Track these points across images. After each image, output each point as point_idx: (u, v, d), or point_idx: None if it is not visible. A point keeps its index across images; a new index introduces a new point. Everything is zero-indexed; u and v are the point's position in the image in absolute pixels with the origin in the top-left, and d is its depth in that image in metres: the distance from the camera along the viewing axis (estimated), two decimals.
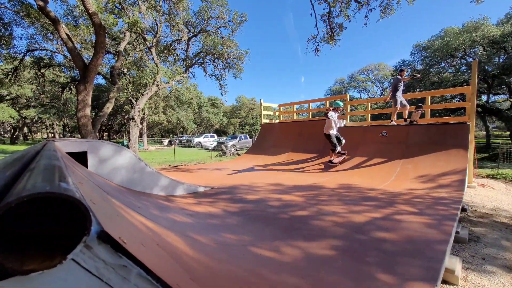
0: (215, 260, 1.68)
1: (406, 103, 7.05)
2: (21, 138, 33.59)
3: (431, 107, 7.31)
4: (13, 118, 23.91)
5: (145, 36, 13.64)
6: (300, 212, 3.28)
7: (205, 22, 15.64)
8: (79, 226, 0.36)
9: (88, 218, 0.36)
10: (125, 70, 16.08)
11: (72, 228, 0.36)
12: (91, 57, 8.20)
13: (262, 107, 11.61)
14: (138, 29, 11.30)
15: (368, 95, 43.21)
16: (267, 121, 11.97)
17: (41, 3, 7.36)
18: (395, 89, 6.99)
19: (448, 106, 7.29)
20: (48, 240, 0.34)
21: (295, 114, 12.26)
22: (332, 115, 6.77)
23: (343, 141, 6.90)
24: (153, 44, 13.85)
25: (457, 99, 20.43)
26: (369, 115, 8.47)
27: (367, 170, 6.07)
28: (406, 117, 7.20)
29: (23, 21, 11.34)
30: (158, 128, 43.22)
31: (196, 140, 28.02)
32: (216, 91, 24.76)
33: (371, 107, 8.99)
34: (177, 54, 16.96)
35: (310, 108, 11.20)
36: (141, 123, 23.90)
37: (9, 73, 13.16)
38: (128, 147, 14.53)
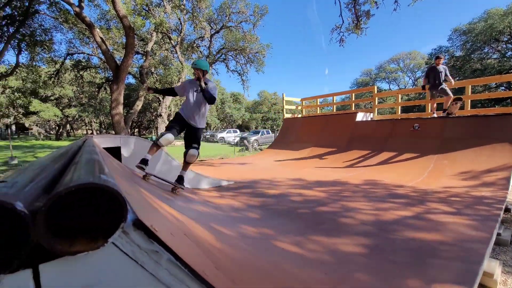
0: (238, 251, 1.73)
1: (450, 92, 6.39)
2: (64, 134, 37.10)
3: (472, 97, 6.65)
4: (57, 116, 26.46)
5: (170, 35, 14.13)
6: (322, 208, 3.23)
7: (227, 18, 15.74)
8: (117, 214, 0.40)
9: (125, 207, 0.39)
10: (153, 69, 16.86)
11: (111, 215, 0.40)
12: (122, 58, 8.72)
13: (284, 101, 11.48)
14: (164, 29, 11.74)
15: (398, 86, 40.49)
16: (289, 115, 11.83)
17: (77, 9, 7.96)
18: (435, 78, 6.38)
19: (493, 96, 6.58)
20: (91, 226, 0.39)
21: (318, 108, 11.93)
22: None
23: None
24: (178, 43, 14.31)
25: (503, 87, 18.30)
26: (399, 107, 7.96)
27: (395, 166, 5.74)
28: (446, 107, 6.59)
29: (62, 26, 12.36)
30: None
31: (219, 135, 28.66)
32: (239, 87, 25.05)
33: (401, 99, 8.44)
34: (200, 51, 17.35)
35: (335, 101, 10.82)
36: (168, 120, 25.05)
37: (52, 75, 14.51)
38: None
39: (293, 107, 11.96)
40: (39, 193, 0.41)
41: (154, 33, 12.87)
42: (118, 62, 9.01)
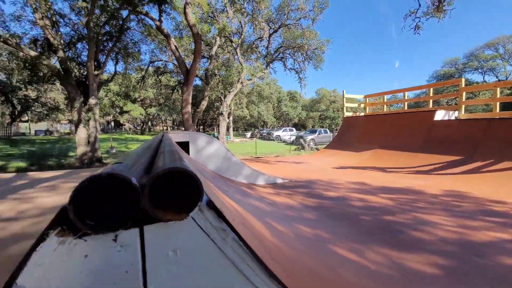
0: (292, 249, 1.75)
1: None
2: (147, 130, 44.17)
3: None
4: (142, 114, 31.74)
5: (232, 38, 15.02)
6: (388, 217, 2.92)
7: (285, 16, 15.68)
8: (196, 195, 0.48)
9: (201, 189, 0.48)
10: (216, 71, 18.31)
11: (192, 195, 0.49)
12: (191, 62, 9.79)
13: (344, 99, 10.75)
14: (226, 33, 12.58)
15: (497, 77, 32.37)
16: (350, 114, 11.01)
17: (157, 23, 9.31)
18: None
19: None
20: (178, 202, 0.48)
21: (385, 105, 10.70)
22: None
23: None
24: (238, 45, 15.10)
25: None
26: (497, 103, 6.39)
27: (490, 177, 4.66)
28: None
29: (146, 39, 14.69)
30: (242, 122, 47.21)
31: (275, 133, 28.97)
32: (296, 85, 24.50)
33: (501, 93, 6.74)
34: (259, 52, 17.85)
35: (406, 97, 9.50)
36: (228, 118, 26.85)
37: (139, 81, 17.47)
38: (217, 138, 16.63)
39: (355, 105, 11.07)
40: (142, 173, 0.54)
41: (218, 38, 13.93)
42: (188, 66, 10.16)
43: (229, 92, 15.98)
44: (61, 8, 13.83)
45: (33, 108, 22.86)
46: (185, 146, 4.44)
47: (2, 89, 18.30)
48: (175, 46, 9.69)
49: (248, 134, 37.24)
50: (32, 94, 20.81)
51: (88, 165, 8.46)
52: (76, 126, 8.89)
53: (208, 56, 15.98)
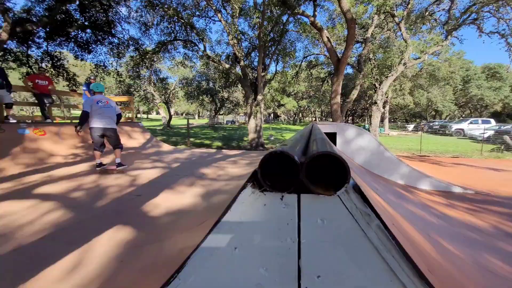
0: (468, 278, 1.34)
1: None
2: (298, 121, 48.59)
3: None
4: (295, 107, 35.22)
5: (394, 12, 12.60)
6: None
7: None
8: (343, 176, 0.55)
9: (349, 172, 0.54)
10: (371, 55, 16.31)
11: (339, 176, 0.56)
12: (343, 51, 9.42)
13: None
14: (387, 7, 10.71)
15: None
16: None
17: (312, 19, 9.72)
18: None
19: None
20: (327, 180, 0.58)
21: None
22: None
23: None
24: (403, 18, 12.42)
25: None
26: None
27: None
28: None
29: (301, 36, 15.82)
30: (402, 111, 39.30)
31: (455, 126, 21.49)
32: (499, 56, 16.40)
33: None
34: (435, 20, 13.69)
35: None
36: (383, 107, 23.27)
37: (293, 76, 19.40)
38: (369, 130, 15.07)
39: None
40: (300, 154, 0.69)
41: (376, 16, 12.23)
42: (339, 55, 9.88)
43: (387, 77, 13.74)
44: (243, 28, 18.06)
45: (225, 105, 32.26)
46: (332, 137, 4.49)
47: (210, 92, 27.39)
48: (327, 37, 9.72)
49: (411, 126, 30.32)
50: (225, 95, 29.35)
51: (255, 148, 10.80)
52: (249, 117, 11.57)
53: (362, 40, 14.57)
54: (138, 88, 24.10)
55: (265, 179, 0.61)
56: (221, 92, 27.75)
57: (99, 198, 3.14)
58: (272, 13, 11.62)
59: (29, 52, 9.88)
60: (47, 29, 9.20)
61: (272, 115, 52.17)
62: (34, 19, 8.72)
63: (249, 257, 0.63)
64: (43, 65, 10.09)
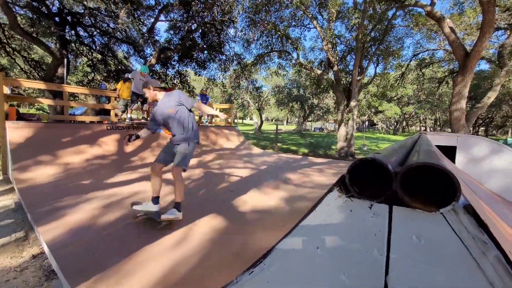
0: None
1: None
2: (400, 130, 41.41)
3: None
4: (397, 114, 30.19)
5: None
6: None
7: None
8: (450, 193, 0.48)
9: (458, 189, 0.47)
10: None
11: (445, 192, 0.50)
12: (474, 42, 7.35)
13: None
14: None
15: None
16: None
17: (428, 8, 8.10)
18: None
19: None
20: (427, 194, 0.52)
21: None
22: None
23: None
24: None
25: None
26: None
27: None
28: None
29: (411, 31, 13.44)
30: None
31: None
32: None
33: None
34: None
35: None
36: None
37: (398, 78, 16.67)
38: None
39: None
40: (395, 165, 0.64)
41: None
42: (468, 48, 7.77)
43: None
44: (339, 31, 17.32)
45: (314, 111, 31.67)
46: (449, 152, 3.58)
47: (300, 99, 27.63)
48: (450, 27, 7.85)
49: None
50: (315, 101, 28.82)
51: (344, 158, 10.04)
52: (339, 125, 10.90)
53: (506, 25, 10.88)
54: (237, 97, 27.40)
55: (354, 185, 0.61)
56: (311, 98, 27.50)
57: (203, 188, 3.81)
58: (375, 10, 10.56)
59: (167, 72, 13.21)
60: (179, 54, 12.02)
61: (366, 123, 46.81)
62: (172, 47, 11.62)
63: (330, 260, 0.64)
64: (175, 81, 13.23)
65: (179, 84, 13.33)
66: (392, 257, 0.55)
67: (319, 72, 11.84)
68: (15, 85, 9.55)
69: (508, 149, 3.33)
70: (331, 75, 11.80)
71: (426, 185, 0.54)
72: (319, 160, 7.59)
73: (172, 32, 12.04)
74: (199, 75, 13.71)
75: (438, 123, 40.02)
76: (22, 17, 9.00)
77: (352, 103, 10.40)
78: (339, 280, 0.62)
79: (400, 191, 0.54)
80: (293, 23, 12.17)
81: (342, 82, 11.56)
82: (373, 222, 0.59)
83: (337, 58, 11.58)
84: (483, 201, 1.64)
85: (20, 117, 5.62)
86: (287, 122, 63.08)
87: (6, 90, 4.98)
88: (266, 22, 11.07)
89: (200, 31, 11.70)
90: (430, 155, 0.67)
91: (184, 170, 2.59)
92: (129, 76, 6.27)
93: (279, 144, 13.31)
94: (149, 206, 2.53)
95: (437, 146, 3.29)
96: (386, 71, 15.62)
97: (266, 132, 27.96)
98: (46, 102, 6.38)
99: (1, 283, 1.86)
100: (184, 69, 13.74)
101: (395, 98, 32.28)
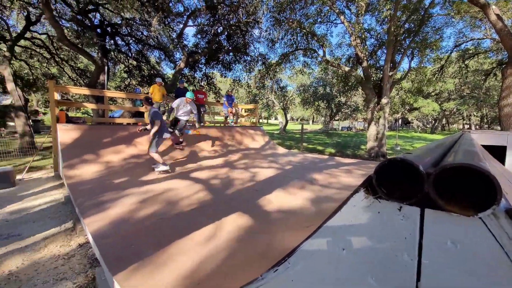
0: None
1: None
2: (439, 128, 37.99)
3: None
4: (435, 111, 27.74)
5: None
6: None
7: None
8: (490, 196, 0.45)
9: (499, 191, 0.43)
10: None
11: (484, 195, 0.46)
12: None
13: None
14: None
15: None
16: None
17: None
18: None
19: None
20: (464, 197, 0.49)
21: None
22: None
23: None
24: None
25: None
26: None
27: None
28: None
29: (452, 20, 12.23)
30: None
31: None
32: None
33: None
34: None
35: None
36: None
37: (436, 72, 15.29)
38: None
39: None
40: (429, 165, 0.60)
41: None
42: None
43: None
44: (370, 24, 16.44)
45: (342, 110, 30.48)
46: (498, 152, 3.21)
47: (327, 98, 26.78)
48: (497, 15, 7.01)
49: None
50: (343, 99, 27.73)
51: (374, 158, 9.52)
52: (369, 124, 10.36)
53: None
54: (262, 97, 27.49)
55: (381, 186, 0.59)
56: (338, 96, 26.50)
57: (228, 187, 3.90)
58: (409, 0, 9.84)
59: (195, 75, 13.75)
60: (206, 57, 12.44)
61: (400, 121, 43.76)
62: (199, 51, 12.07)
63: (357, 262, 0.63)
64: (202, 83, 13.72)
65: (206, 86, 13.79)
66: (424, 263, 0.52)
67: (347, 69, 11.38)
68: (64, 91, 10.74)
69: None
70: (360, 72, 11.25)
71: (464, 187, 0.51)
72: (347, 160, 7.30)
73: (199, 36, 12.50)
74: (225, 76, 14.05)
75: (485, 120, 35.96)
76: (68, 29, 10.05)
77: (384, 100, 9.82)
78: (367, 284, 0.60)
79: (433, 193, 0.52)
80: (319, 20, 11.84)
81: (372, 78, 10.96)
82: (402, 225, 0.57)
83: (367, 53, 11.01)
84: None
85: (69, 120, 6.30)
86: (312, 121, 61.61)
87: (57, 96, 5.62)
88: (291, 20, 10.94)
89: (226, 33, 11.97)
90: (469, 155, 0.62)
91: None
92: (173, 106, 5.88)
93: (304, 144, 13.07)
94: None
95: (484, 146, 2.97)
96: (422, 65, 14.45)
97: (291, 132, 27.61)
98: (90, 106, 7.06)
99: (50, 270, 2.12)
100: (211, 71, 14.17)
101: (433, 93, 29.69)
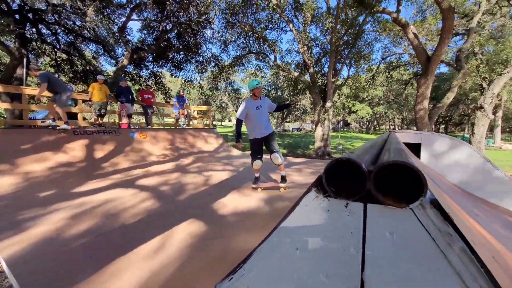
0: None
1: None
2: (372, 129, 43.77)
3: None
4: (368, 114, 31.92)
5: None
6: None
7: None
8: (418, 189, 0.51)
9: (425, 185, 0.49)
10: (477, 49, 13.20)
11: (414, 189, 0.52)
12: (435, 47, 8.02)
13: None
14: None
15: None
16: None
17: (394, 15, 8.70)
18: None
19: None
20: (399, 191, 0.54)
21: None
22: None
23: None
24: None
25: None
26: None
27: None
28: None
29: (380, 36, 14.32)
30: None
31: None
32: None
33: None
34: None
35: None
36: (494, 113, 18.26)
37: (369, 80, 17.66)
38: (470, 142, 12.17)
39: None
40: (368, 163, 0.66)
41: (484, 1, 9.87)
42: (429, 52, 8.45)
43: (500, 75, 10.81)
44: (315, 34, 17.85)
45: (292, 112, 32.35)
46: (415, 148, 3.85)
47: (278, 101, 28.07)
48: (414, 34, 8.48)
49: None
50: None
51: (321, 157, 10.36)
52: (316, 125, 11.24)
53: (464, 31, 12.04)
54: (215, 98, 27.08)
55: (330, 185, 0.62)
56: (289, 99, 28.06)
57: (180, 193, 3.69)
58: (346, 15, 11.06)
59: (141, 73, 12.65)
60: (154, 54, 11.58)
61: (341, 122, 48.87)
62: (145, 48, 11.16)
63: (310, 260, 0.64)
64: (149, 82, 12.71)
65: (154, 86, 12.84)
66: (368, 254, 0.57)
67: (296, 74, 12.12)
68: None
69: (466, 144, 3.66)
70: (307, 77, 12.13)
71: (397, 182, 0.56)
72: (297, 160, 7.74)
73: (145, 32, 11.57)
74: (175, 76, 13.32)
75: (405, 122, 42.97)
76: None
77: (328, 104, 10.78)
78: (319, 280, 0.62)
79: (374, 189, 0.56)
80: (270, 26, 12.33)
81: (318, 83, 11.94)
82: (349, 221, 0.60)
83: (313, 60, 11.94)
84: (446, 194, 1.78)
85: None
86: None
87: None
88: (243, 23, 11.09)
89: (176, 31, 11.38)
90: (400, 153, 0.71)
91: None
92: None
93: None
94: None
95: (405, 143, 3.52)
96: (358, 74, 16.41)
97: (246, 134, 27.97)
98: (2, 106, 5.77)
99: None
100: (159, 70, 13.26)
101: (367, 99, 34.07)
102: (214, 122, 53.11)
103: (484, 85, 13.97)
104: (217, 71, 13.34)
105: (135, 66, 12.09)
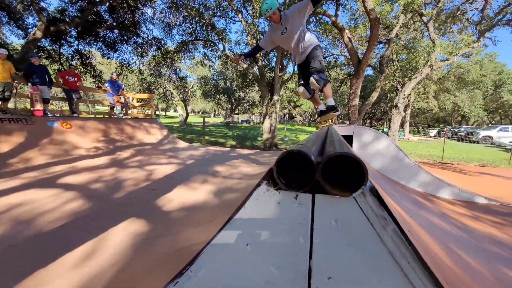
0: None
1: None
2: (314, 122, 47.82)
3: None
4: (310, 108, 34.64)
5: (422, 11, 12.05)
6: None
7: None
8: (360, 179, 0.55)
9: (366, 174, 0.53)
10: (394, 56, 15.72)
11: (356, 178, 0.56)
12: (364, 51, 9.16)
13: None
14: (415, 6, 10.29)
15: None
16: None
17: (333, 18, 9.54)
18: None
19: None
20: (344, 181, 0.57)
21: None
22: None
23: None
24: (432, 17, 11.85)
25: None
26: None
27: None
28: None
29: (322, 37, 15.57)
30: (424, 116, 37.53)
31: (483, 133, 20.24)
32: None
33: None
34: (467, 19, 12.93)
35: None
36: (405, 111, 22.32)
37: None
38: (388, 135, 14.58)
39: None
40: (316, 155, 0.69)
41: (402, 16, 11.77)
42: (360, 56, 9.62)
43: (410, 79, 13.19)
44: (263, 28, 18.05)
45: (241, 104, 32.48)
46: (348, 140, 4.37)
47: (227, 92, 27.71)
48: (349, 37, 9.49)
49: (433, 132, 28.93)
50: (242, 94, 29.54)
51: (268, 149, 10.78)
52: (264, 118, 11.57)
53: (385, 40, 14.10)
54: (158, 86, 24.90)
55: (280, 177, 0.62)
56: (238, 91, 28.00)
57: (117, 190, 3.28)
58: None
59: (61, 50, 10.53)
60: (79, 29, 9.76)
61: (287, 116, 51.82)
62: (67, 20, 9.28)
63: (261, 254, 0.64)
64: (73, 62, 10.72)
65: (80, 67, 10.92)
66: (315, 242, 0.59)
67: (245, 65, 12.10)
68: None
69: (385, 136, 4.35)
70: (256, 70, 12.27)
71: (341, 173, 0.60)
72: (246, 151, 7.85)
73: (66, 0, 9.61)
74: (107, 58, 11.60)
75: (340, 117, 48.55)
76: None
77: (275, 97, 11.20)
78: (269, 273, 0.62)
79: (321, 180, 0.58)
80: (218, 13, 11.88)
81: (266, 77, 12.22)
82: (298, 212, 0.62)
83: (261, 53, 12.12)
84: (373, 179, 2.06)
85: None
86: (214, 114, 62.17)
87: None
88: (189, 7, 10.35)
89: (108, 4, 9.81)
90: (342, 145, 0.76)
91: None
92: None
93: (206, 137, 12.99)
94: None
95: (342, 135, 3.96)
96: None
97: (193, 125, 26.78)
98: None
99: None
100: (87, 49, 11.31)
101: None
102: (157, 112, 48.97)
103: (399, 87, 16.82)
104: (159, 56, 12.20)
105: (54, 41, 9.99)
